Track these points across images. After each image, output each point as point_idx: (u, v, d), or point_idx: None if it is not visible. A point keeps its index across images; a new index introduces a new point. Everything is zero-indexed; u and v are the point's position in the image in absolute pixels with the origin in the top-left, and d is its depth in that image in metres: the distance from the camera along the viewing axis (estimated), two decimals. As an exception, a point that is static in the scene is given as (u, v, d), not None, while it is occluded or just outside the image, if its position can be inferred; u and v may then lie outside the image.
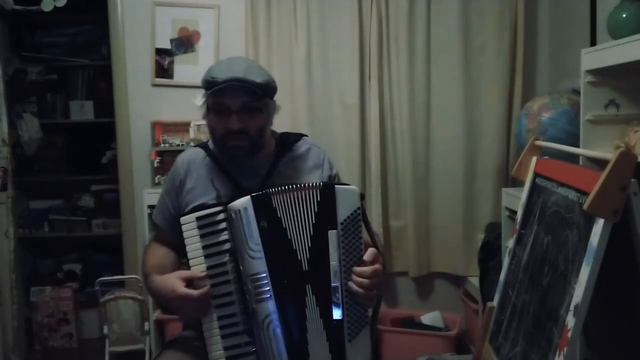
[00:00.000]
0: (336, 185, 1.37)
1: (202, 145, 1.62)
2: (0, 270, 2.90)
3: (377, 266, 1.36)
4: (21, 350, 3.03)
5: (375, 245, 1.43)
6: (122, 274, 3.10)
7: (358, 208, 1.37)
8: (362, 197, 1.39)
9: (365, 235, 1.41)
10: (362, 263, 1.36)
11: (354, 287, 1.33)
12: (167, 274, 1.42)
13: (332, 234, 1.34)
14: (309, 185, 1.37)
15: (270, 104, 1.51)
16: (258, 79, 1.44)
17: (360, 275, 1.34)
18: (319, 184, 1.38)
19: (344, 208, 1.35)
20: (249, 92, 1.43)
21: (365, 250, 1.39)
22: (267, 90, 1.47)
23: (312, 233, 1.35)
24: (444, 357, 2.61)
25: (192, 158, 1.59)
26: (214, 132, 1.50)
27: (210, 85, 1.44)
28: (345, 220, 1.35)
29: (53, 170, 3.79)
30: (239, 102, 1.43)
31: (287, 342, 1.33)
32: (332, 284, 1.34)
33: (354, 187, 1.40)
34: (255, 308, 1.33)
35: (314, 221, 1.35)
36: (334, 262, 1.34)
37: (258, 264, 1.33)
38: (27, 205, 3.77)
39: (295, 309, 1.34)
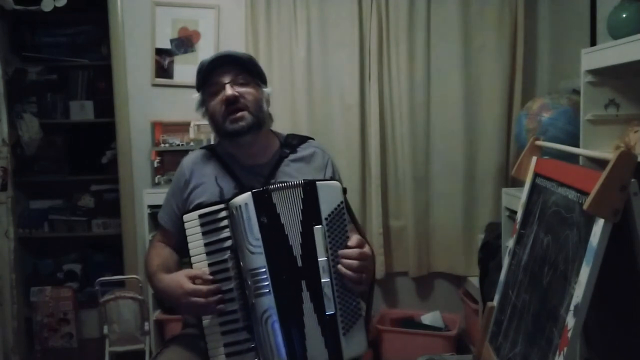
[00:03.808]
0: (317, 182, 1.39)
1: (208, 147, 1.65)
2: (0, 270, 2.90)
3: (363, 250, 1.38)
4: (21, 350, 3.03)
5: (362, 236, 1.44)
6: (122, 274, 3.10)
7: (341, 202, 1.38)
8: (345, 191, 1.41)
9: (352, 229, 1.43)
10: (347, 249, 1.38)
11: (343, 269, 1.35)
12: (175, 273, 1.44)
13: (317, 230, 1.36)
14: (295, 182, 1.39)
15: (260, 85, 1.56)
16: (243, 55, 1.54)
17: (345, 256, 1.36)
18: (301, 181, 1.39)
19: (327, 203, 1.37)
20: (236, 65, 1.50)
21: None
22: (254, 65, 1.54)
23: (302, 230, 1.37)
24: (444, 357, 2.60)
25: (197, 159, 1.61)
26: (214, 115, 1.52)
27: (200, 68, 1.52)
28: (329, 215, 1.37)
29: (53, 170, 3.79)
30: (229, 75, 1.50)
31: (285, 337, 1.34)
32: (322, 280, 1.35)
33: (336, 182, 1.42)
34: (254, 303, 1.34)
35: (301, 218, 1.37)
36: (321, 258, 1.35)
37: (258, 259, 1.34)
38: (27, 205, 3.77)
39: (293, 305, 1.35)
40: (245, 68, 1.51)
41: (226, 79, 1.49)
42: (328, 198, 1.37)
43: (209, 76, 1.50)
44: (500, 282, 1.62)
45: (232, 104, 1.48)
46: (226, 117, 1.49)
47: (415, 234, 2.99)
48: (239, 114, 1.48)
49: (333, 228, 1.37)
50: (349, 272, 1.35)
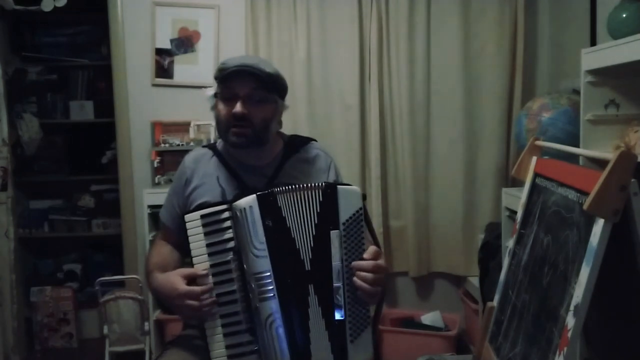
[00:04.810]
0: (338, 186, 1.37)
1: (210, 146, 1.63)
2: (0, 270, 2.90)
3: (379, 262, 1.36)
4: (21, 350, 3.03)
5: (377, 245, 1.43)
6: (122, 274, 3.10)
7: (360, 208, 1.37)
8: (364, 197, 1.39)
9: (367, 235, 1.41)
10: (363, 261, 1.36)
11: (358, 281, 1.33)
12: (169, 272, 1.42)
13: (334, 234, 1.34)
14: (312, 185, 1.37)
15: (278, 101, 1.53)
16: (268, 69, 1.47)
17: (361, 269, 1.34)
18: (322, 184, 1.37)
19: (346, 208, 1.35)
20: (257, 80, 1.45)
21: None
22: (276, 82, 1.49)
23: (314, 233, 1.35)
24: (444, 357, 2.61)
25: (199, 157, 1.60)
26: (220, 121, 1.51)
27: (220, 71, 1.48)
28: (347, 220, 1.35)
29: (53, 170, 3.79)
30: (247, 89, 1.45)
31: (289, 341, 1.33)
32: (334, 284, 1.34)
33: (356, 188, 1.40)
34: (258, 307, 1.33)
35: (316, 221, 1.35)
36: (336, 262, 1.34)
37: (262, 263, 1.33)
38: (27, 205, 3.76)
39: (298, 309, 1.34)
40: (266, 84, 1.47)
41: (242, 92, 1.45)
42: (348, 203, 1.35)
43: (228, 80, 1.47)
44: (500, 282, 1.62)
45: (239, 120, 1.46)
46: (229, 128, 1.48)
47: (415, 234, 2.99)
48: (242, 130, 1.46)
49: (350, 234, 1.35)
50: (364, 285, 1.33)
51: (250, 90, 1.46)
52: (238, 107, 1.44)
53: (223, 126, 1.50)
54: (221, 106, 1.49)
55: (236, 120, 1.46)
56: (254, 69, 1.44)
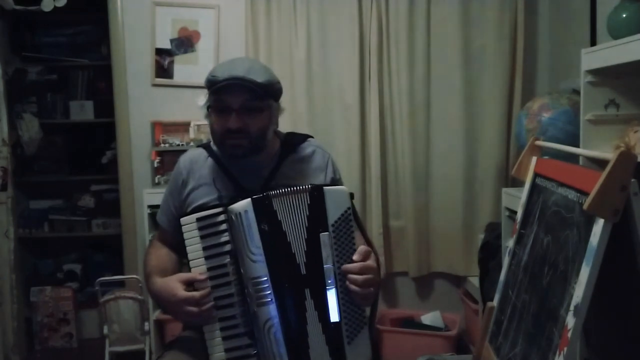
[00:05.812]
0: (324, 187, 1.36)
1: (205, 146, 1.61)
2: (0, 270, 2.90)
3: (367, 262, 1.35)
4: (21, 350, 3.03)
5: (369, 243, 1.43)
6: (122, 274, 3.10)
7: (348, 208, 1.36)
8: (352, 196, 1.38)
9: (358, 235, 1.41)
10: (353, 262, 1.35)
11: (349, 285, 1.33)
12: (168, 277, 1.40)
13: (324, 237, 1.33)
14: (300, 188, 1.36)
15: (273, 105, 1.50)
16: (259, 78, 1.42)
17: (350, 272, 1.33)
18: (308, 186, 1.36)
19: (334, 209, 1.34)
20: (249, 91, 1.42)
21: None
22: (269, 90, 1.45)
23: (306, 236, 1.34)
24: (444, 357, 2.61)
25: (195, 158, 1.58)
26: (214, 131, 1.48)
27: (211, 83, 1.44)
28: (336, 221, 1.34)
29: (53, 170, 3.79)
30: (239, 100, 1.42)
31: (288, 346, 1.33)
32: (327, 287, 1.33)
33: (343, 187, 1.39)
34: (256, 311, 1.33)
35: (307, 224, 1.34)
36: (327, 264, 1.33)
37: (259, 268, 1.32)
38: (27, 205, 3.77)
39: (296, 314, 1.34)
40: (259, 93, 1.43)
41: (235, 104, 1.41)
42: (335, 204, 1.34)
43: (219, 92, 1.43)
44: (500, 282, 1.62)
45: (235, 132, 1.43)
46: (225, 139, 1.45)
47: (415, 234, 2.99)
48: (239, 141, 1.44)
49: (340, 235, 1.34)
50: (355, 288, 1.32)
51: (244, 102, 1.42)
52: (233, 123, 1.42)
53: (218, 138, 1.47)
54: (215, 118, 1.46)
55: (231, 133, 1.43)
56: (244, 81, 1.40)
